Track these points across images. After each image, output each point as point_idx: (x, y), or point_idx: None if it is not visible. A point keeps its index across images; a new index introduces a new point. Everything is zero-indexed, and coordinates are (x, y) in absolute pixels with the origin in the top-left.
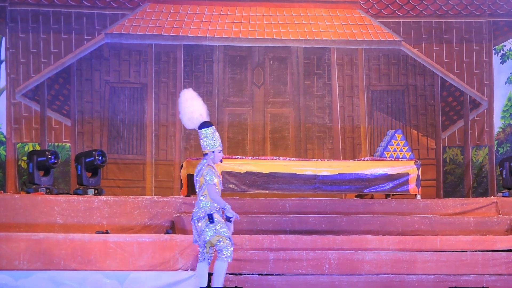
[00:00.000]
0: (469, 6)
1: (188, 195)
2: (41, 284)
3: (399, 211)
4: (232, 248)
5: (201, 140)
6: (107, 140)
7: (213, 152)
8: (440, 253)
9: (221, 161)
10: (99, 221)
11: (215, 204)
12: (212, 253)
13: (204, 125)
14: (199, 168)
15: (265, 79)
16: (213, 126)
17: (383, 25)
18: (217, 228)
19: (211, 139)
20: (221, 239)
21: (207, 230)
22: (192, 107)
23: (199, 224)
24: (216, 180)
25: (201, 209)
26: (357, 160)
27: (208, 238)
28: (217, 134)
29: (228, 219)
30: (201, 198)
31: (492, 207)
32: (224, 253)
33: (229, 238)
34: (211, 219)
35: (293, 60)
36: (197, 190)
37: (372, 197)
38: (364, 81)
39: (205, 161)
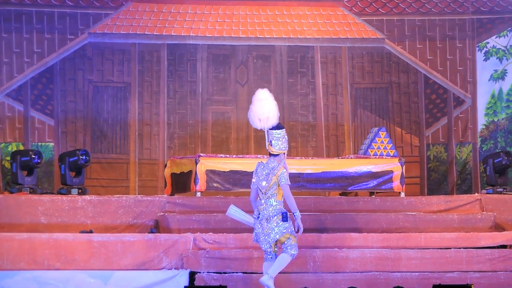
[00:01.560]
0: (452, 3)
1: (172, 194)
2: (25, 284)
3: (383, 208)
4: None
5: (273, 141)
6: (91, 140)
7: (284, 154)
8: (425, 251)
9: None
10: (83, 220)
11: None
12: (277, 251)
13: (279, 126)
14: (271, 166)
15: (249, 77)
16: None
17: (367, 23)
18: (287, 226)
19: (284, 141)
20: (290, 237)
21: (278, 228)
22: (262, 108)
23: (267, 223)
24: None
25: (273, 208)
26: (341, 158)
27: (278, 236)
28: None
29: (282, 219)
30: (271, 197)
31: (476, 204)
32: (292, 251)
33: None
34: (285, 217)
35: (276, 58)
36: (264, 188)
37: (356, 195)
38: (348, 79)
39: (274, 160)
